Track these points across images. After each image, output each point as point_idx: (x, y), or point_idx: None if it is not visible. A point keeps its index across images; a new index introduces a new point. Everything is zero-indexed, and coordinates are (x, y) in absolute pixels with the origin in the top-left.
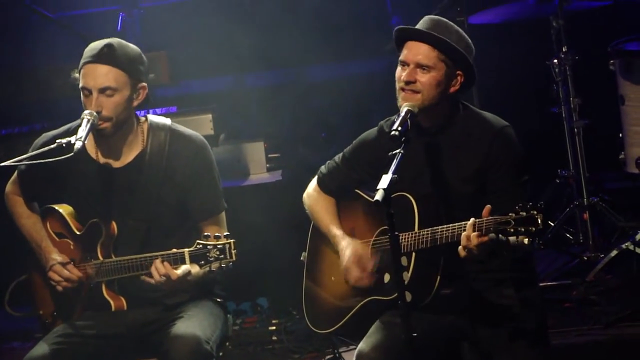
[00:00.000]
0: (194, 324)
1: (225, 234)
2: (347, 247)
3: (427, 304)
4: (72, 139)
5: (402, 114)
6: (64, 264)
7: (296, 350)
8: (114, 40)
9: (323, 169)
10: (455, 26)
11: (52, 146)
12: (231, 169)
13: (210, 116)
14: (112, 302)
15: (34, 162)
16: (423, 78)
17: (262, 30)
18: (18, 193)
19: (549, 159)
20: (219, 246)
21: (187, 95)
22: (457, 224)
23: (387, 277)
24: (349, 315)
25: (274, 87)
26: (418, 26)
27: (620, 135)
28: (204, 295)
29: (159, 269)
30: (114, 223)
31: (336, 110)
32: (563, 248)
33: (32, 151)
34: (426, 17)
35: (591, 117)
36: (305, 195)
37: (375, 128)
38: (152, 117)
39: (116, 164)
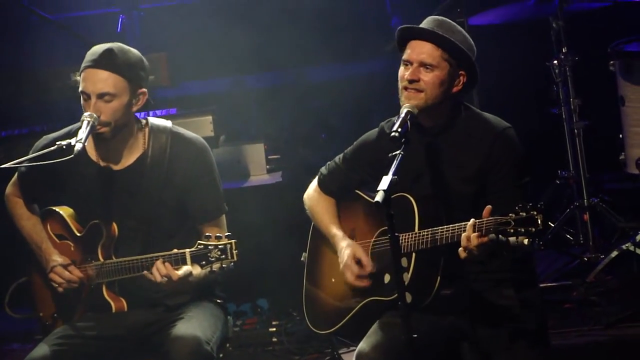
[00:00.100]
0: (195, 325)
1: (226, 234)
2: (346, 247)
3: (427, 305)
4: (72, 140)
5: (402, 115)
6: (65, 266)
7: (296, 352)
8: (115, 45)
9: (324, 169)
10: (459, 26)
11: (53, 148)
12: (231, 171)
13: (210, 118)
14: (112, 303)
15: (35, 164)
16: (426, 77)
17: (261, 32)
18: (18, 195)
19: (549, 160)
20: (220, 246)
21: (187, 96)
22: (457, 224)
23: (387, 278)
24: (349, 315)
25: (274, 88)
26: (421, 25)
27: (621, 136)
28: (204, 297)
29: (160, 270)
30: (114, 224)
31: (336, 111)
32: (563, 249)
33: (33, 153)
34: (429, 17)
35: (591, 118)
36: (305, 196)
37: (376, 129)
38: (152, 120)
39: (116, 167)
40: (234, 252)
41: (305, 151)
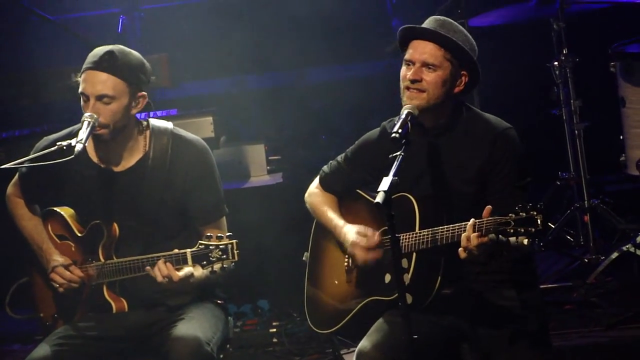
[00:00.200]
0: (195, 325)
1: (227, 234)
2: (349, 229)
3: (427, 305)
4: (73, 141)
5: (403, 116)
6: (66, 266)
7: (297, 353)
8: (116, 48)
9: (326, 168)
10: (460, 26)
11: (53, 149)
12: (232, 171)
13: (210, 119)
14: (113, 303)
15: (35, 164)
16: (429, 77)
17: (262, 33)
18: (19, 195)
19: (550, 161)
20: (221, 246)
21: (188, 97)
22: (457, 224)
23: (387, 278)
24: (350, 315)
25: (275, 89)
26: (423, 25)
27: (621, 137)
28: (205, 297)
29: (162, 270)
30: (115, 225)
31: (337, 112)
32: (564, 250)
33: (34, 154)
34: (431, 18)
35: (592, 119)
36: (307, 194)
37: (378, 128)
38: (153, 122)
39: (117, 168)
40: (235, 252)
41: (305, 152)
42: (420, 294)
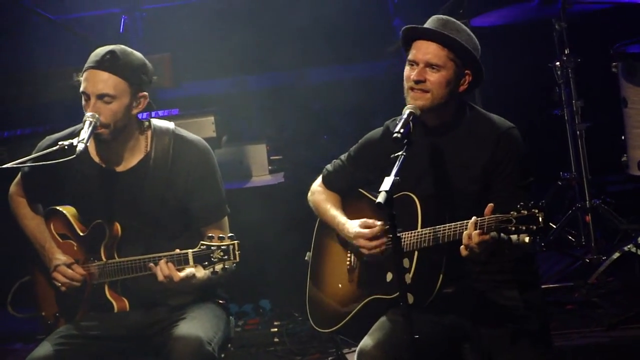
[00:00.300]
0: (197, 325)
1: (229, 235)
2: (352, 223)
3: (429, 304)
4: (75, 141)
5: (405, 116)
6: (68, 265)
7: (298, 352)
8: (118, 48)
9: (329, 167)
10: (463, 25)
11: (55, 148)
12: (233, 171)
13: (212, 118)
14: (114, 303)
15: (37, 164)
16: (432, 77)
17: (264, 33)
18: (22, 194)
19: (551, 161)
20: (222, 247)
21: (190, 97)
22: (459, 222)
23: (389, 276)
24: (352, 313)
25: (276, 89)
26: (426, 25)
27: (623, 137)
28: (206, 297)
29: (163, 270)
30: (117, 224)
31: (338, 112)
32: (565, 250)
33: (36, 153)
34: (434, 17)
35: (593, 119)
36: (309, 192)
37: (381, 128)
38: (155, 122)
39: (119, 168)
40: (237, 253)
41: (307, 152)
42: (422, 293)
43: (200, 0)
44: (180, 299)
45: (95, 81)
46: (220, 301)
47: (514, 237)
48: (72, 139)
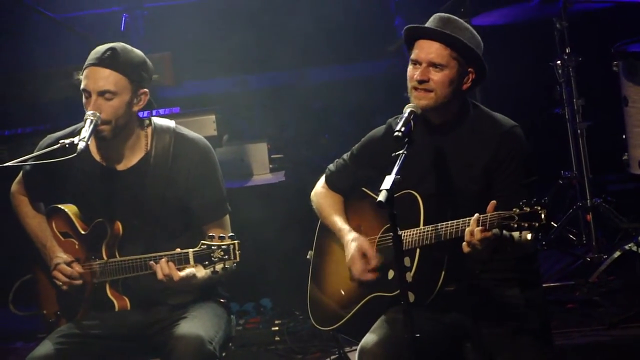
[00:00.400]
0: (198, 324)
1: (229, 234)
2: (352, 240)
3: (430, 302)
4: (76, 139)
5: (405, 115)
6: (68, 263)
7: (299, 351)
8: (118, 45)
9: (331, 166)
10: (465, 23)
11: (56, 147)
12: (234, 170)
13: (213, 117)
14: (115, 302)
15: (38, 162)
16: (436, 77)
17: (264, 32)
18: (24, 193)
19: (552, 160)
20: (223, 247)
21: (191, 96)
22: (461, 219)
23: (391, 274)
24: (353, 311)
25: (277, 88)
26: (428, 24)
27: (624, 136)
28: (207, 296)
29: (163, 269)
30: (118, 223)
31: (339, 112)
32: (566, 249)
33: (37, 152)
34: (436, 15)
35: (594, 118)
36: (313, 193)
37: (384, 126)
38: (156, 120)
39: (120, 167)
40: (237, 252)
41: (308, 151)
42: (423, 291)
43: None
44: (181, 298)
45: (96, 78)
46: (221, 300)
47: (516, 234)
48: (73, 137)
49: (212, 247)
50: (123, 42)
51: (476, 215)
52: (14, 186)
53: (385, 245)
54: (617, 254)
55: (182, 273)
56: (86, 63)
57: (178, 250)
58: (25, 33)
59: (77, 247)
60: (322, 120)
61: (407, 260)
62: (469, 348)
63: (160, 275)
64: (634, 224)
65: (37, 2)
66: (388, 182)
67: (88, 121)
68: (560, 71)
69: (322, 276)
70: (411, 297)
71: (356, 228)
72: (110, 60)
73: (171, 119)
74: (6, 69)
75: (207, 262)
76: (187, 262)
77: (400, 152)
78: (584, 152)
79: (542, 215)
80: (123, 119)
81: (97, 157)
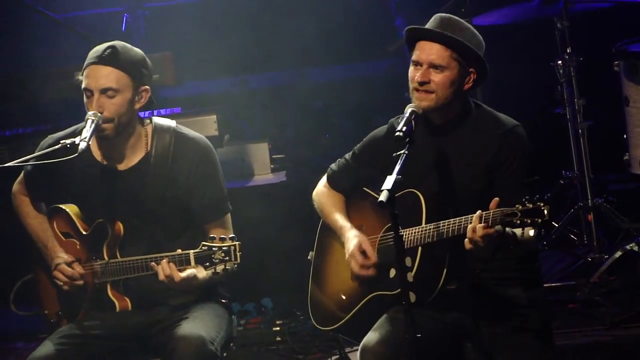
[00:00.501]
0: (199, 324)
1: (230, 236)
2: (353, 237)
3: (431, 300)
4: (77, 139)
5: (407, 115)
6: (69, 264)
7: (300, 351)
8: (118, 43)
9: (334, 165)
10: (466, 23)
11: (57, 147)
12: (235, 170)
13: (214, 117)
14: (116, 302)
15: (39, 162)
16: (437, 78)
17: (265, 32)
18: (25, 193)
19: (553, 160)
20: (224, 248)
21: (192, 96)
22: (463, 217)
23: (392, 272)
24: (354, 311)
25: (277, 88)
26: (429, 25)
27: (625, 136)
28: (208, 297)
29: (165, 270)
30: (119, 223)
31: (339, 112)
32: (567, 249)
33: (38, 152)
34: (436, 16)
35: (595, 118)
36: (314, 192)
37: (385, 125)
38: (157, 120)
39: (120, 167)
40: (238, 254)
41: (309, 151)
42: (424, 290)
43: None
44: (182, 298)
45: (97, 76)
46: (223, 300)
47: (518, 231)
48: (74, 137)
49: (213, 249)
50: (124, 42)
51: (478, 212)
52: (15, 186)
53: (386, 244)
54: (618, 254)
55: (183, 274)
56: (86, 62)
57: (179, 251)
58: (25, 33)
59: (78, 247)
60: (322, 120)
61: (408, 260)
62: (469, 348)
63: (161, 276)
64: (635, 224)
65: (37, 2)
66: (389, 182)
67: (89, 121)
68: (561, 71)
69: (322, 276)
70: (412, 297)
71: (358, 227)
72: (110, 58)
73: (172, 119)
74: (6, 69)
75: (208, 264)
76: (188, 263)
77: (402, 152)
78: (585, 152)
79: (545, 211)
80: (126, 117)
81: (98, 156)
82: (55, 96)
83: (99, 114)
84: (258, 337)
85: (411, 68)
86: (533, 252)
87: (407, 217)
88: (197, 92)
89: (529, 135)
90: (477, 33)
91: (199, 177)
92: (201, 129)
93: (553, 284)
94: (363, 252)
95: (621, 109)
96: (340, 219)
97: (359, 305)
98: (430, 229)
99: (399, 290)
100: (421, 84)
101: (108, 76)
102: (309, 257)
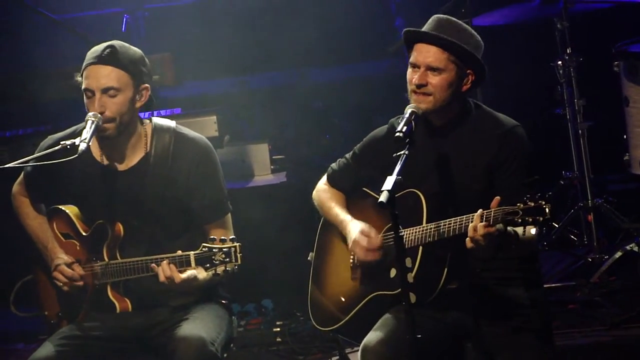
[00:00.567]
0: (199, 325)
1: (231, 237)
2: (355, 226)
3: (432, 300)
4: (77, 140)
5: (406, 115)
6: (69, 264)
7: (300, 352)
8: (116, 42)
9: (334, 165)
10: (463, 24)
11: (57, 148)
12: (236, 171)
13: (214, 118)
14: (117, 303)
15: (39, 163)
16: (434, 80)
17: (265, 33)
18: (25, 194)
19: (553, 160)
20: (224, 249)
21: (192, 96)
22: (464, 216)
23: (393, 272)
24: (354, 311)
25: (277, 89)
26: (426, 27)
27: (625, 136)
28: (209, 298)
29: (165, 271)
30: (119, 225)
31: (339, 112)
32: (567, 249)
33: (38, 153)
34: (434, 17)
35: (595, 118)
36: (314, 190)
37: (386, 126)
38: (156, 120)
39: (120, 167)
40: (238, 255)
41: (309, 151)
42: (425, 290)
43: None
44: (183, 299)
45: (98, 76)
46: (223, 301)
47: (519, 229)
48: (73, 138)
49: (214, 250)
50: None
51: (480, 210)
52: (15, 187)
53: (387, 244)
54: (618, 254)
55: (184, 275)
56: (85, 63)
57: (179, 252)
58: (25, 33)
59: (78, 248)
60: (322, 120)
61: (408, 261)
62: (469, 347)
63: (162, 278)
64: (635, 224)
65: (37, 2)
66: (389, 182)
67: (89, 122)
68: (561, 71)
69: (323, 277)
70: (413, 298)
71: None
72: (110, 57)
73: (173, 120)
74: (6, 69)
75: (208, 265)
76: (188, 264)
77: (402, 152)
78: (585, 152)
79: (547, 210)
80: (127, 116)
81: (98, 157)
82: (55, 96)
83: (99, 115)
84: (258, 338)
85: (409, 70)
86: (533, 252)
87: (407, 216)
88: (197, 93)
89: (529, 136)
90: (476, 34)
91: (199, 177)
92: (201, 130)
93: (553, 285)
94: (367, 237)
95: (621, 109)
96: (341, 214)
97: (359, 306)
98: (431, 229)
99: (400, 290)
100: (419, 86)
101: (109, 75)
102: (309, 258)
